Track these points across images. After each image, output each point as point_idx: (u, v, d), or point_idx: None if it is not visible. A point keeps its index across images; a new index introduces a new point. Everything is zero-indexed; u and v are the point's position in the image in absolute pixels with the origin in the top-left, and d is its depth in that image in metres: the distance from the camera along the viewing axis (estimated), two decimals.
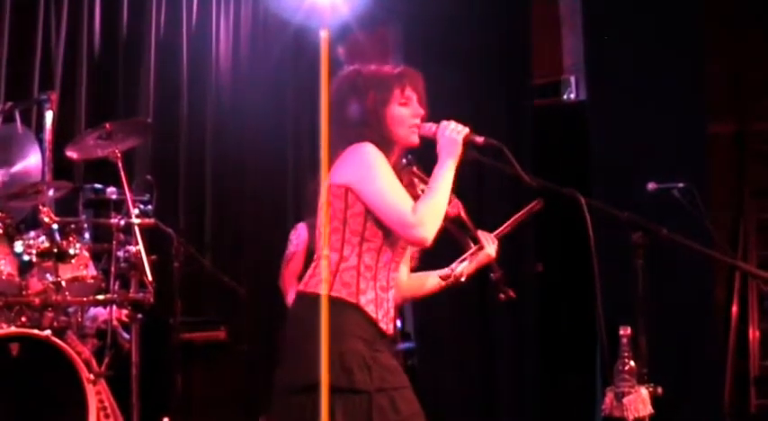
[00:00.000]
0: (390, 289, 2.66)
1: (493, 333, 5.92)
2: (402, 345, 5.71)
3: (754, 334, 5.62)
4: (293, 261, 4.41)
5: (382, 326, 2.62)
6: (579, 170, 5.59)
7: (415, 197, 2.62)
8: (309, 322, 2.53)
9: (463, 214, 2.75)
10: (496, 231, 2.94)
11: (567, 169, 5.38)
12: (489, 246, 2.87)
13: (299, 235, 4.43)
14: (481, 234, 2.87)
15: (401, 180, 2.62)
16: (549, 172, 5.21)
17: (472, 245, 2.82)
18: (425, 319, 6.06)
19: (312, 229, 3.57)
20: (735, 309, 5.65)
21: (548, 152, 5.90)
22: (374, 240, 2.60)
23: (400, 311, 5.78)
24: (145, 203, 4.61)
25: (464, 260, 2.79)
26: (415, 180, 2.70)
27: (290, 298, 4.26)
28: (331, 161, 2.63)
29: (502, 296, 2.86)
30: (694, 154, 5.43)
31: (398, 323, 5.93)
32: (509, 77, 6.06)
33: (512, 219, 2.97)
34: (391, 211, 2.55)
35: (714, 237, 4.38)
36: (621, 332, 2.80)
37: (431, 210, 2.56)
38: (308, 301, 2.58)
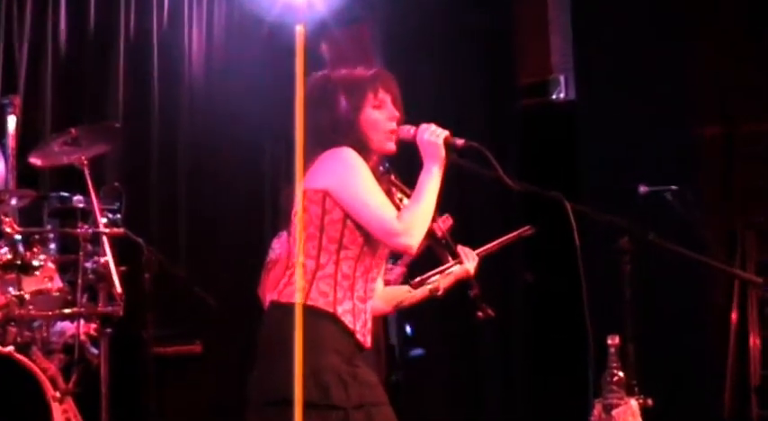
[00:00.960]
0: (368, 299, 2.67)
1: (480, 346, 5.94)
2: (414, 352, 5.75)
3: (754, 341, 5.63)
4: (274, 269, 4.43)
5: (360, 338, 2.63)
6: (568, 173, 5.60)
7: (394, 205, 2.63)
8: (283, 332, 2.52)
9: (441, 228, 2.77)
10: (479, 249, 2.97)
11: (556, 172, 5.39)
12: (468, 261, 2.89)
13: (281, 242, 4.44)
14: (461, 249, 2.89)
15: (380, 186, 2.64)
16: (536, 175, 5.24)
17: (450, 258, 2.84)
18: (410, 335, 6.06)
19: (288, 237, 3.58)
20: (734, 315, 5.66)
21: (535, 154, 5.91)
22: (352, 248, 2.61)
23: (407, 317, 5.83)
24: (113, 212, 4.58)
25: (438, 273, 2.82)
26: (393, 189, 2.72)
27: None
28: (306, 166, 2.64)
29: (480, 314, 2.88)
30: (686, 156, 5.46)
31: (408, 328, 5.98)
32: (494, 76, 6.08)
33: (498, 241, 3.02)
34: (375, 218, 2.57)
35: (708, 241, 4.40)
36: (609, 341, 2.81)
37: (417, 217, 2.58)
38: (283, 311, 2.59)
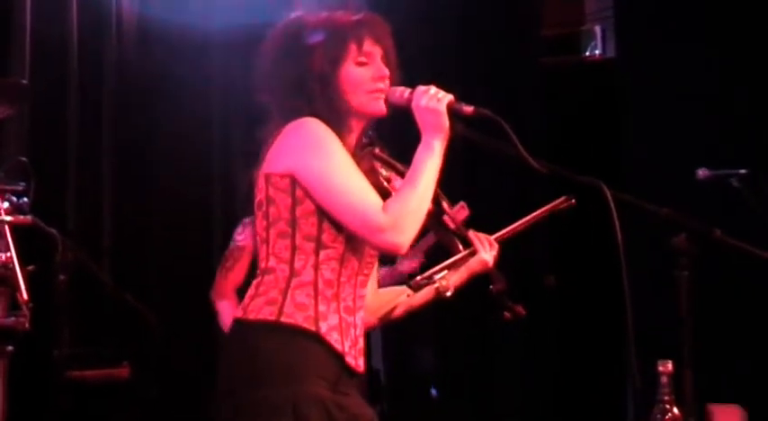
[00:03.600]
0: (358, 310, 2.68)
1: (495, 369, 5.96)
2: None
3: None
4: (236, 268, 4.44)
5: (350, 360, 2.63)
6: (606, 152, 5.60)
7: (378, 188, 2.62)
8: (253, 357, 2.54)
9: (446, 207, 2.75)
10: (498, 233, 2.95)
11: (591, 150, 5.39)
12: (485, 251, 2.87)
13: (245, 231, 4.45)
14: (474, 235, 2.88)
15: (359, 166, 2.62)
16: (566, 153, 5.24)
17: (461, 248, 2.82)
18: (401, 351, 6.07)
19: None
20: None
21: (565, 127, 5.91)
22: (334, 246, 2.61)
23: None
24: (18, 195, 4.56)
25: (447, 267, 2.80)
26: (378, 165, 2.69)
27: (226, 319, 4.25)
28: (268, 140, 2.64)
29: (507, 314, 2.91)
30: (758, 131, 5.45)
31: (434, 391, 6.01)
32: (511, 27, 6.09)
33: (525, 219, 3.00)
34: (351, 209, 2.55)
35: None
36: (660, 368, 2.80)
37: (410, 207, 2.56)
38: (251, 330, 2.60)
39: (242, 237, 4.52)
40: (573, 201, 3.02)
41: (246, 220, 4.55)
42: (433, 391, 5.98)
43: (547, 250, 5.90)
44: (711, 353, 3.48)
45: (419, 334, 5.88)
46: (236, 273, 4.50)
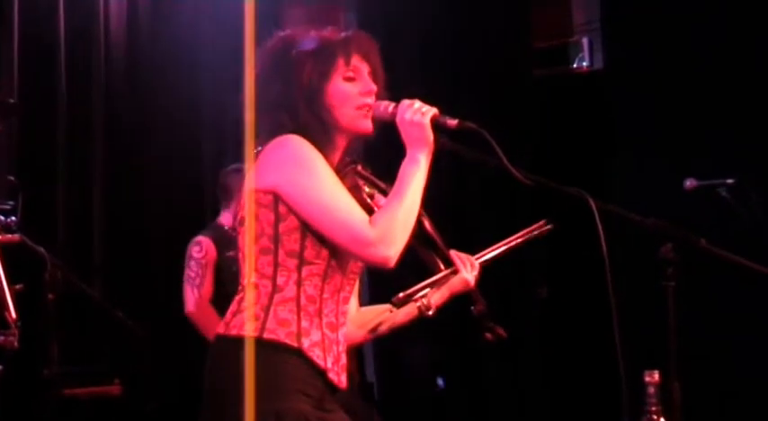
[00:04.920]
0: (341, 327, 2.68)
1: (484, 381, 5.93)
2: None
3: None
4: (205, 284, 4.65)
5: (332, 376, 2.63)
6: (594, 162, 5.60)
7: (362, 204, 2.62)
8: (234, 373, 2.52)
9: (428, 225, 2.75)
10: (480, 254, 2.95)
11: (578, 161, 5.39)
12: (467, 270, 2.87)
13: (204, 250, 4.68)
14: (456, 255, 2.88)
15: (343, 182, 2.61)
16: (552, 165, 5.24)
17: (442, 267, 2.82)
18: (391, 365, 6.06)
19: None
20: None
21: (552, 139, 5.92)
22: (317, 262, 2.60)
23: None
24: (6, 213, 4.55)
25: (429, 285, 2.80)
26: (361, 182, 2.69)
27: (211, 333, 4.29)
28: (256, 157, 2.64)
29: (488, 335, 2.88)
30: (746, 140, 5.45)
31: (440, 381, 6.00)
32: (501, 40, 6.08)
33: (505, 242, 3.00)
34: (338, 225, 2.55)
35: None
36: (647, 378, 2.79)
37: (398, 220, 2.56)
38: (232, 346, 2.58)
39: (201, 254, 4.75)
40: (550, 226, 3.03)
41: (200, 238, 5.01)
42: (440, 381, 5.97)
43: (538, 261, 5.90)
44: (698, 364, 3.48)
45: (411, 344, 5.87)
46: (207, 289, 4.93)
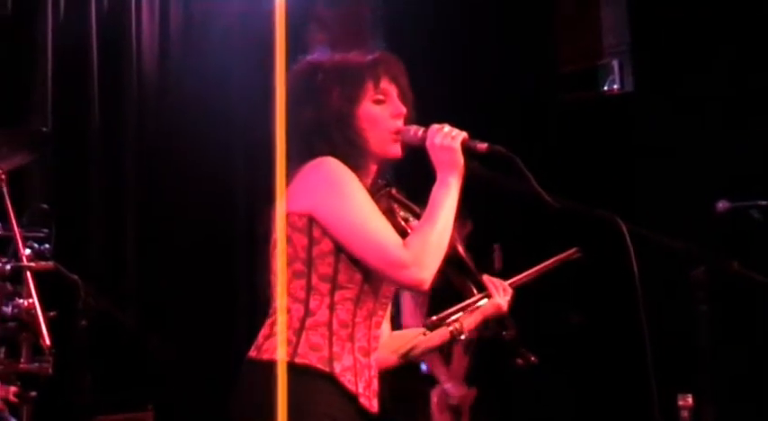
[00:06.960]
0: (373, 352, 2.67)
1: (514, 405, 5.91)
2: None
3: None
4: None
5: (364, 401, 2.62)
6: (624, 185, 5.58)
7: (397, 228, 2.62)
8: (264, 398, 2.48)
9: (461, 250, 2.75)
10: (512, 279, 2.96)
11: (608, 184, 5.38)
12: (499, 295, 2.87)
13: None
14: (488, 279, 2.88)
15: (377, 206, 2.62)
16: (582, 188, 5.22)
17: (475, 292, 2.83)
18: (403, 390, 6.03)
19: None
20: None
21: (581, 162, 5.90)
22: (350, 287, 2.60)
23: None
24: (40, 241, 4.57)
25: (461, 309, 2.80)
26: (395, 206, 2.69)
27: None
28: (289, 180, 2.63)
29: (519, 361, 2.91)
30: None
31: (423, 367, 5.96)
32: (528, 63, 6.09)
33: (536, 268, 3.04)
34: (373, 248, 2.55)
35: None
36: (680, 402, 2.78)
37: (431, 243, 2.56)
38: (263, 370, 2.57)
39: None
40: (580, 253, 3.05)
41: None
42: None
43: (569, 286, 5.87)
44: (732, 387, 3.46)
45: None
46: None
